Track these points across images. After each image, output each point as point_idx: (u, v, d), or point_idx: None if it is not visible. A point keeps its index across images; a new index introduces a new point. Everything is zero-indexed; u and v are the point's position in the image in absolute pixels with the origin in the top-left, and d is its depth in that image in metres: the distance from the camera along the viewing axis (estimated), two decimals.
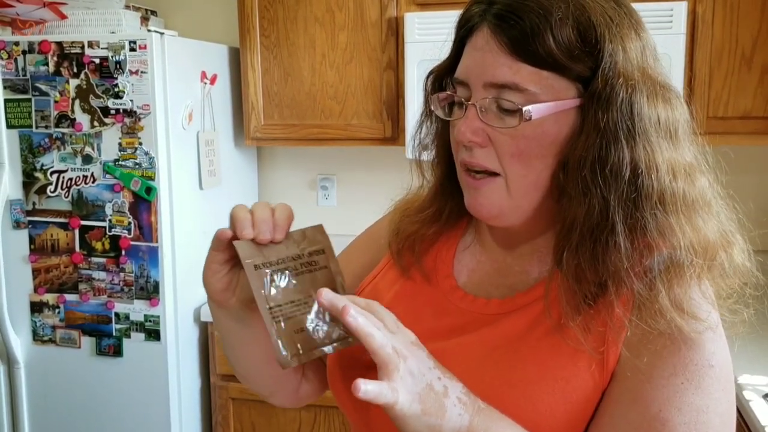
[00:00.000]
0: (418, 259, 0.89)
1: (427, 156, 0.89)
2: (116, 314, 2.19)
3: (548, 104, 0.72)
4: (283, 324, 0.73)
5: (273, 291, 0.74)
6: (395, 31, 2.29)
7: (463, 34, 0.79)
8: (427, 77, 0.85)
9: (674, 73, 2.00)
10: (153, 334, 2.18)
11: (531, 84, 0.72)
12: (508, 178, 0.75)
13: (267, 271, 0.75)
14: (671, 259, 0.72)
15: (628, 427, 0.71)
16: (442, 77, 0.83)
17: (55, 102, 2.14)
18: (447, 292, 0.86)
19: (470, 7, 0.78)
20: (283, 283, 0.75)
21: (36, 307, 2.25)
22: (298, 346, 0.73)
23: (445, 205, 0.87)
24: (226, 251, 0.77)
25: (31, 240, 2.22)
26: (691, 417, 0.69)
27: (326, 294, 0.68)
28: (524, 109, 0.72)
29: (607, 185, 0.71)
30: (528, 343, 0.76)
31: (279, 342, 0.72)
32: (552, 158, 0.74)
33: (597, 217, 0.72)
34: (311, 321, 0.74)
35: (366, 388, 0.63)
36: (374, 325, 0.67)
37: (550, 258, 0.78)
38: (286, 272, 0.76)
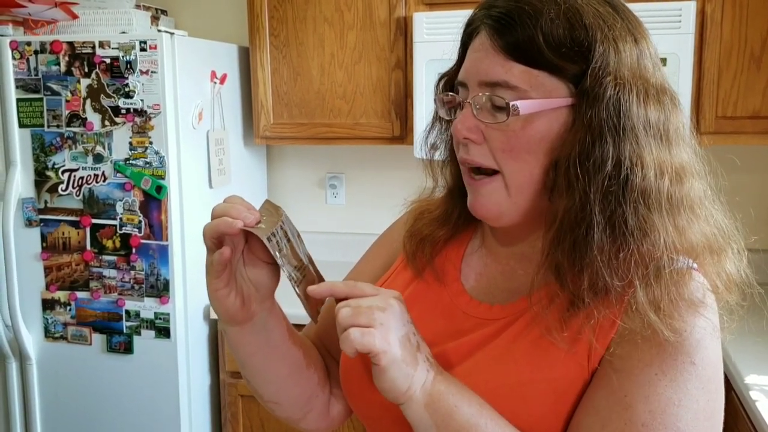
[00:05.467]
0: (431, 261, 0.90)
1: (438, 156, 0.90)
2: (127, 312, 2.21)
3: (538, 101, 0.74)
4: (300, 286, 0.78)
5: (283, 259, 0.77)
6: (404, 30, 2.30)
7: (465, 38, 0.81)
8: (438, 81, 0.87)
9: (683, 73, 1.99)
10: (163, 331, 2.20)
11: (521, 82, 0.74)
12: (504, 175, 0.77)
13: (273, 242, 0.77)
14: (651, 257, 0.72)
15: (594, 411, 0.71)
16: (450, 80, 0.85)
17: (67, 101, 2.16)
18: (453, 296, 0.87)
19: (474, 12, 0.80)
20: (284, 251, 0.78)
21: (48, 305, 2.27)
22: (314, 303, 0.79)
23: (455, 206, 0.88)
24: (226, 270, 0.77)
25: (43, 238, 2.25)
26: (658, 406, 0.69)
27: (311, 290, 0.75)
28: (512, 103, 0.74)
29: (588, 179, 0.72)
30: (522, 345, 0.77)
31: (304, 302, 0.77)
32: (543, 155, 0.76)
33: (577, 210, 0.73)
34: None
35: (360, 340, 0.67)
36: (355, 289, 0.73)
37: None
38: (282, 242, 0.79)
